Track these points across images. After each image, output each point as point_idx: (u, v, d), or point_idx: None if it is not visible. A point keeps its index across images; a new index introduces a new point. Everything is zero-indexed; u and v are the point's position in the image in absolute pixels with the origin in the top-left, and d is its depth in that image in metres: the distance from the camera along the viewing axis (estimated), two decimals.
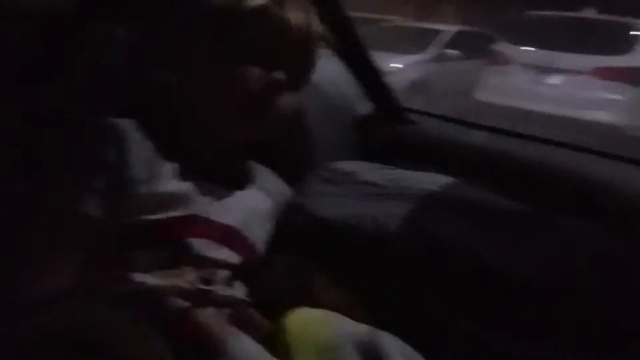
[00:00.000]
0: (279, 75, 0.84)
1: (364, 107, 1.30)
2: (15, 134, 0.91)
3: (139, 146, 0.83)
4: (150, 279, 0.77)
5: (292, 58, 0.86)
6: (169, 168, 0.84)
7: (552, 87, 6.14)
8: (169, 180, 0.83)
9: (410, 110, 1.30)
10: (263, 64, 0.83)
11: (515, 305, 0.87)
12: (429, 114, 1.34)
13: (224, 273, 0.85)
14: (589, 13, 6.69)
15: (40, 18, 0.96)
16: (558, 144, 1.13)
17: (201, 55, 0.86)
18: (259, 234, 0.94)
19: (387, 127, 1.27)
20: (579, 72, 5.99)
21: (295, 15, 0.85)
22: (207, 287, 0.81)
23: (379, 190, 1.03)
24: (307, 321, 0.79)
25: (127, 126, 0.84)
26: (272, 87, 0.84)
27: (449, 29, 8.04)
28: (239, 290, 0.87)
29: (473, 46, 7.52)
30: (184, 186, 0.84)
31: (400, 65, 6.75)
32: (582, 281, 0.85)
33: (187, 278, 0.80)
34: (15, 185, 0.84)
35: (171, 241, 0.82)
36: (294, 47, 0.85)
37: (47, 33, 0.96)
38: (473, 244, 0.90)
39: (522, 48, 6.52)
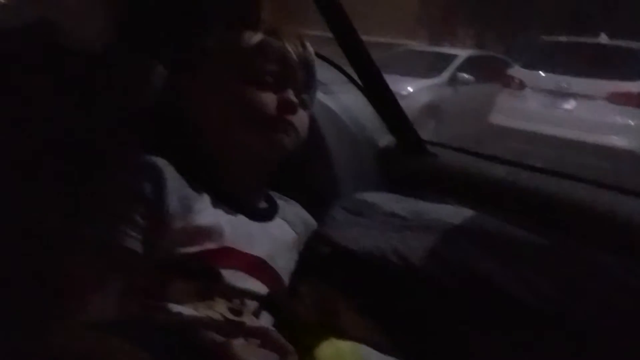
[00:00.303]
0: (289, 94, 0.93)
1: (385, 139, 1.33)
2: (57, 168, 0.94)
3: (174, 181, 0.87)
4: (185, 310, 0.81)
5: (295, 79, 0.95)
6: (202, 202, 0.88)
7: (567, 111, 6.13)
8: (202, 214, 0.87)
9: (431, 143, 1.32)
10: (272, 88, 0.92)
11: (536, 335, 0.88)
12: (449, 147, 1.35)
13: (252, 304, 0.88)
14: (603, 39, 6.69)
15: (79, 55, 1.00)
16: (576, 179, 1.14)
17: (216, 85, 0.94)
18: (284, 265, 0.97)
19: (407, 159, 1.29)
20: (593, 97, 5.98)
21: (290, 42, 0.95)
22: (237, 318, 0.84)
23: (401, 222, 1.05)
24: (337, 353, 0.81)
25: (163, 162, 0.88)
26: (285, 106, 0.92)
27: (463, 53, 8.06)
28: (266, 321, 0.90)
29: (487, 70, 7.53)
30: (216, 219, 0.88)
31: (415, 89, 6.78)
32: (601, 313, 0.86)
33: (218, 309, 0.83)
34: (58, 218, 0.87)
35: (205, 272, 0.85)
36: (295, 69, 0.95)
37: (85, 69, 1.01)
38: (494, 276, 0.92)
39: (537, 72, 6.53)
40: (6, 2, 1.04)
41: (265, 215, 0.99)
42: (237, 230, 0.90)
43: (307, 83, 0.98)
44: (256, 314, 0.89)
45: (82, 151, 0.94)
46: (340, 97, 1.29)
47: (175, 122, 0.97)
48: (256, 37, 0.94)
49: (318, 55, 1.35)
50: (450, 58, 7.67)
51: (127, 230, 0.82)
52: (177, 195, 0.86)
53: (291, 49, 0.94)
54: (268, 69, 0.93)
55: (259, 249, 0.92)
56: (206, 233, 0.86)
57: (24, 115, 0.95)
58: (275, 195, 1.05)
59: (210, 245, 0.86)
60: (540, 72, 6.51)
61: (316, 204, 1.11)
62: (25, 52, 1.00)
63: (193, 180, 0.90)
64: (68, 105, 0.97)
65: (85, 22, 1.04)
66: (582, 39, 6.95)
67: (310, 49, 0.99)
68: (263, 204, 1.01)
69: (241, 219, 0.93)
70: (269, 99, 0.92)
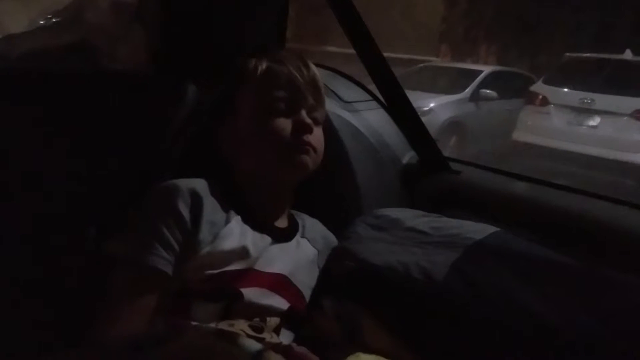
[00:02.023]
0: (302, 116, 0.96)
1: (408, 156, 1.34)
2: (100, 191, 0.97)
3: (207, 207, 0.90)
4: (209, 328, 0.83)
5: (305, 101, 0.98)
6: (228, 228, 0.91)
7: (591, 128, 6.07)
8: (228, 240, 0.90)
9: (453, 160, 1.33)
10: (285, 114, 0.96)
11: (556, 356, 0.88)
12: (472, 164, 1.36)
13: (273, 320, 0.90)
14: (628, 55, 6.62)
15: (117, 75, 1.03)
16: (601, 197, 1.13)
17: (236, 115, 0.98)
18: (304, 280, 0.99)
19: (430, 176, 1.30)
20: (618, 114, 5.92)
21: (294, 66, 0.98)
22: (258, 335, 0.86)
23: (424, 238, 1.05)
24: None
25: (202, 186, 0.92)
26: (301, 128, 0.95)
27: (487, 69, 8.02)
28: (286, 337, 0.92)
29: (511, 86, 7.49)
30: (241, 243, 0.91)
31: (437, 105, 6.78)
32: (628, 336, 0.84)
33: (239, 327, 0.85)
34: (98, 238, 0.90)
35: (228, 292, 0.88)
36: (303, 91, 0.98)
37: (123, 89, 1.04)
38: (517, 294, 0.91)
39: (561, 89, 6.48)
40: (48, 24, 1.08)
41: (288, 235, 1.02)
42: (260, 252, 0.93)
43: (316, 101, 1.01)
44: (277, 331, 0.91)
45: (125, 173, 0.97)
46: (363, 115, 1.30)
47: (205, 147, 1.00)
48: (262, 66, 0.98)
49: (341, 73, 1.38)
50: (473, 74, 7.64)
51: (162, 254, 0.85)
52: (208, 222, 0.89)
53: (296, 72, 0.98)
54: (278, 95, 0.96)
55: (280, 267, 0.95)
56: (230, 257, 0.89)
57: (62, 132, 0.98)
58: (295, 213, 1.07)
59: (233, 267, 0.89)
60: (565, 88, 6.46)
61: (339, 220, 1.13)
62: (65, 71, 1.03)
63: (223, 202, 0.93)
64: (107, 125, 1.00)
65: (123, 45, 1.07)
66: (607, 56, 6.89)
67: (314, 67, 1.02)
68: (285, 224, 1.03)
69: (265, 239, 0.96)
70: (285, 124, 0.95)
